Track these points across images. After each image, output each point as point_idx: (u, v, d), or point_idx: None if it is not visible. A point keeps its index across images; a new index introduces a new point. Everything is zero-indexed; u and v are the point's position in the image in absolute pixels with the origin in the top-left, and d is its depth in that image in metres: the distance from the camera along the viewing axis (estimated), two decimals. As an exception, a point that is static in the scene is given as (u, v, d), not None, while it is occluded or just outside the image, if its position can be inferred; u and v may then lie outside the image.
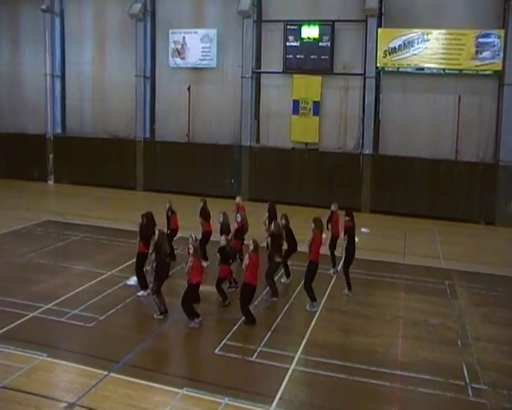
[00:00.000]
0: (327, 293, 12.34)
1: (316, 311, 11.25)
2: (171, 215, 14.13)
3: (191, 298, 10.48)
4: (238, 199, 14.97)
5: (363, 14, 21.43)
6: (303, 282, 11.56)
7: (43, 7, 25.86)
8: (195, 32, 23.97)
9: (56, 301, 11.30)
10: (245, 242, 12.87)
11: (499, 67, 20.03)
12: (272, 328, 10.39)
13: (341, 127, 22.57)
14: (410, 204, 21.20)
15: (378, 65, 21.41)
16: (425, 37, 20.69)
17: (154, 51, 25.28)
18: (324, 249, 13.04)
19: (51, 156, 26.91)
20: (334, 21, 21.83)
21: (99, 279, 12.80)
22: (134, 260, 12.02)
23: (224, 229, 13.04)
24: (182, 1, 24.48)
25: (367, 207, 21.76)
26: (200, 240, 13.11)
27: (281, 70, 22.93)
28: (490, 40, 19.91)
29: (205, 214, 14.17)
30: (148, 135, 25.50)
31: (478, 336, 10.33)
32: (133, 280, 12.24)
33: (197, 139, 24.47)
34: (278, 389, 8.19)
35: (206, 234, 13.95)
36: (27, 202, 22.15)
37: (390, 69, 21.47)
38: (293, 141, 23.06)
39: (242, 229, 13.07)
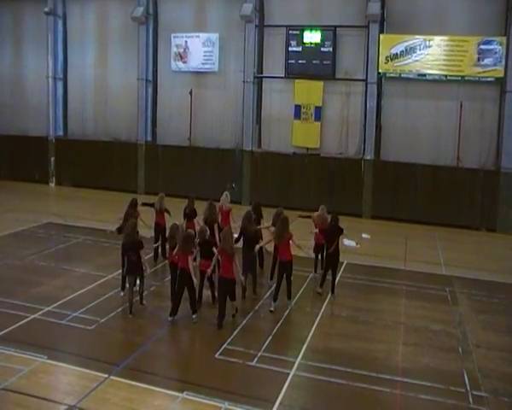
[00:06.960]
0: (327, 299, 12.33)
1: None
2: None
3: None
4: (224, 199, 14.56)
5: (365, 20, 21.46)
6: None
7: (46, 9, 25.91)
8: (197, 36, 23.98)
9: (57, 304, 11.29)
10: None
11: (501, 74, 20.06)
12: (273, 333, 10.37)
13: (343, 133, 22.56)
14: (411, 210, 21.18)
15: (380, 71, 21.42)
16: (427, 43, 20.72)
17: (156, 55, 25.32)
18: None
19: (53, 159, 26.92)
20: (336, 27, 21.85)
21: (100, 282, 12.80)
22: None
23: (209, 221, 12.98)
24: (184, 5, 24.51)
25: (368, 213, 21.78)
26: None
27: (283, 75, 22.94)
28: (492, 47, 19.94)
29: (187, 214, 14.10)
30: (149, 138, 25.52)
31: (479, 343, 10.31)
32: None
33: (198, 143, 24.47)
34: (278, 394, 8.18)
35: None
36: (28, 204, 22.15)
37: (392, 75, 21.49)
38: (295, 146, 23.06)
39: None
